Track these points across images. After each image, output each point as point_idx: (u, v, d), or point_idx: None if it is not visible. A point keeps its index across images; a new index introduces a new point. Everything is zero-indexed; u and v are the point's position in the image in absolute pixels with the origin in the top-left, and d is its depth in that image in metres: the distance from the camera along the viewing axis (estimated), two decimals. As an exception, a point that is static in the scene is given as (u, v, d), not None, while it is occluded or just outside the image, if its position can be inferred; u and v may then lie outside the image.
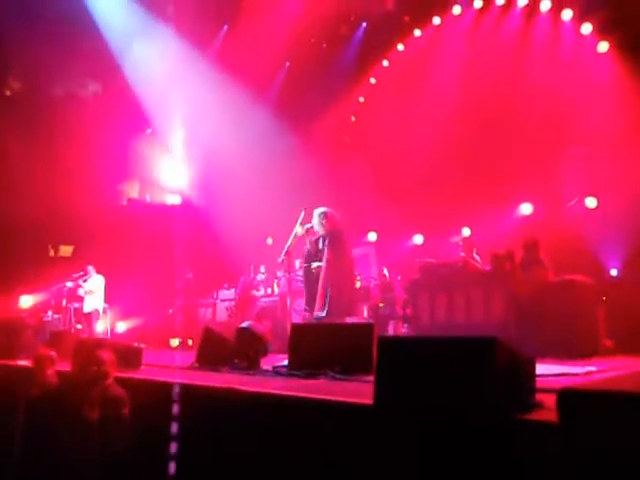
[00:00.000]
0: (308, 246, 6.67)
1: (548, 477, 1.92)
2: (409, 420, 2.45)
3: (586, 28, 9.91)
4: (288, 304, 7.20)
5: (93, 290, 10.60)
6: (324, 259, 6.32)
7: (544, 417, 2.11)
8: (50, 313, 10.80)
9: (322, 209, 6.53)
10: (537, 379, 2.65)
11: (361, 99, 13.30)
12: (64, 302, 10.88)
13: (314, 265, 6.50)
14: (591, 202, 9.29)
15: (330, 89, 13.06)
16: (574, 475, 1.74)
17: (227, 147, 12.51)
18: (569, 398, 1.82)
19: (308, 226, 6.52)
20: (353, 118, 13.49)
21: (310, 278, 6.58)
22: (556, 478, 1.85)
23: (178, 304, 11.73)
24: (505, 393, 2.18)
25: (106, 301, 10.94)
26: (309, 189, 11.15)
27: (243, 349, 5.07)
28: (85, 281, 10.61)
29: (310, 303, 6.51)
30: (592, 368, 4.37)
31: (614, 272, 8.51)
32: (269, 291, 10.96)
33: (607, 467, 1.69)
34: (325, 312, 6.12)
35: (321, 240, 6.47)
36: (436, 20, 11.90)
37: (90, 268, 10.69)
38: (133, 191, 15.60)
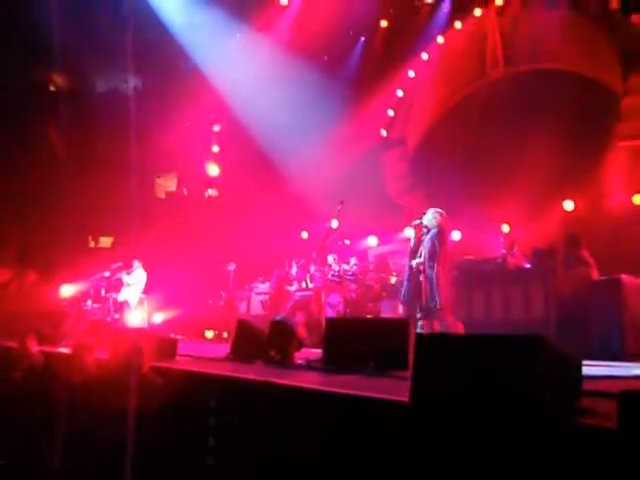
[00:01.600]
0: (412, 244, 6.83)
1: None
2: (447, 420, 2.37)
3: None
4: (322, 298, 7.17)
5: (133, 283, 10.77)
6: (426, 253, 6.47)
7: (594, 422, 1.99)
8: (90, 302, 11.03)
9: (437, 209, 6.78)
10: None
11: (399, 93, 13.14)
12: (103, 292, 11.09)
13: (414, 262, 6.67)
14: (637, 199, 8.95)
15: (367, 83, 12.96)
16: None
17: (264, 140, 12.54)
18: (634, 402, 1.69)
19: (417, 222, 6.72)
20: (391, 112, 13.35)
21: (412, 274, 6.74)
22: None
23: (224, 296, 11.82)
24: (552, 395, 2.08)
25: (144, 292, 11.11)
26: (346, 184, 11.09)
27: (277, 342, 5.05)
28: (129, 274, 10.80)
29: (410, 297, 6.70)
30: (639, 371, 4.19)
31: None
32: (303, 285, 10.95)
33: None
34: (435, 304, 6.25)
35: (427, 236, 6.61)
36: (477, 12, 11.66)
37: (136, 262, 10.86)
38: (171, 184, 15.81)
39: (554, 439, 1.97)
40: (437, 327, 6.21)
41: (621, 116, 9.22)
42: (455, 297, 7.00)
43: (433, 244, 6.43)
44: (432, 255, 6.40)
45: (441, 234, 6.52)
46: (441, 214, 6.67)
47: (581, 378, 2.50)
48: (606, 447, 1.82)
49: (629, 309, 5.99)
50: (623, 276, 6.17)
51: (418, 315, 6.41)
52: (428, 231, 6.59)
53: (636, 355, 5.48)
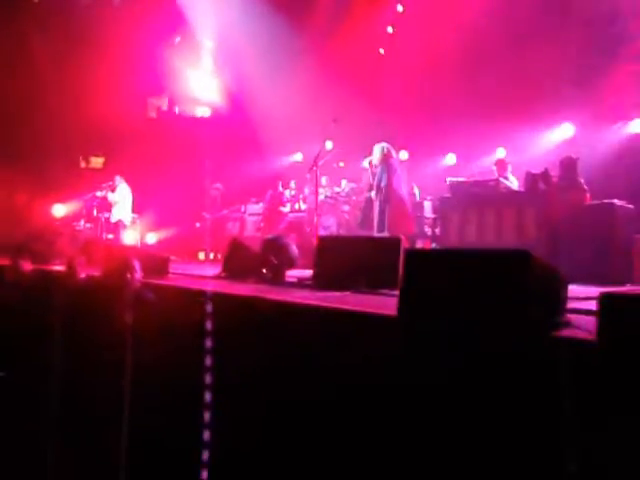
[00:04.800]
0: (370, 179, 7.46)
1: (584, 394, 1.86)
2: (433, 333, 2.41)
3: None
4: (315, 220, 7.17)
5: (119, 200, 10.70)
6: (379, 185, 7.12)
7: (577, 335, 2.04)
8: (82, 222, 11.04)
9: (383, 144, 7.31)
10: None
11: (400, 7, 12.61)
12: (95, 212, 11.07)
13: (371, 194, 7.36)
14: (637, 125, 8.82)
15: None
16: (615, 389, 1.67)
17: (258, 58, 12.11)
18: (612, 303, 1.71)
19: (369, 159, 7.33)
20: (390, 29, 12.85)
21: (368, 204, 7.52)
22: (593, 395, 1.79)
23: (206, 218, 11.83)
24: (538, 309, 2.11)
25: (135, 212, 11.08)
26: (341, 104, 10.81)
27: (269, 260, 5.07)
28: (113, 191, 10.70)
29: (364, 226, 7.55)
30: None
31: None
32: (297, 207, 10.93)
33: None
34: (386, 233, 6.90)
35: (378, 170, 7.24)
36: None
37: (117, 178, 10.74)
38: (163, 103, 15.40)
39: (537, 352, 2.02)
40: None
41: (626, 37, 8.91)
42: (416, 226, 7.99)
43: (379, 179, 7.09)
44: (380, 189, 7.05)
45: (385, 169, 7.08)
46: (383, 150, 7.19)
47: (566, 297, 2.53)
48: (586, 359, 1.86)
49: (619, 235, 6.02)
50: (615, 201, 6.16)
51: None
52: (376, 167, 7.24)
53: (621, 281, 5.56)
